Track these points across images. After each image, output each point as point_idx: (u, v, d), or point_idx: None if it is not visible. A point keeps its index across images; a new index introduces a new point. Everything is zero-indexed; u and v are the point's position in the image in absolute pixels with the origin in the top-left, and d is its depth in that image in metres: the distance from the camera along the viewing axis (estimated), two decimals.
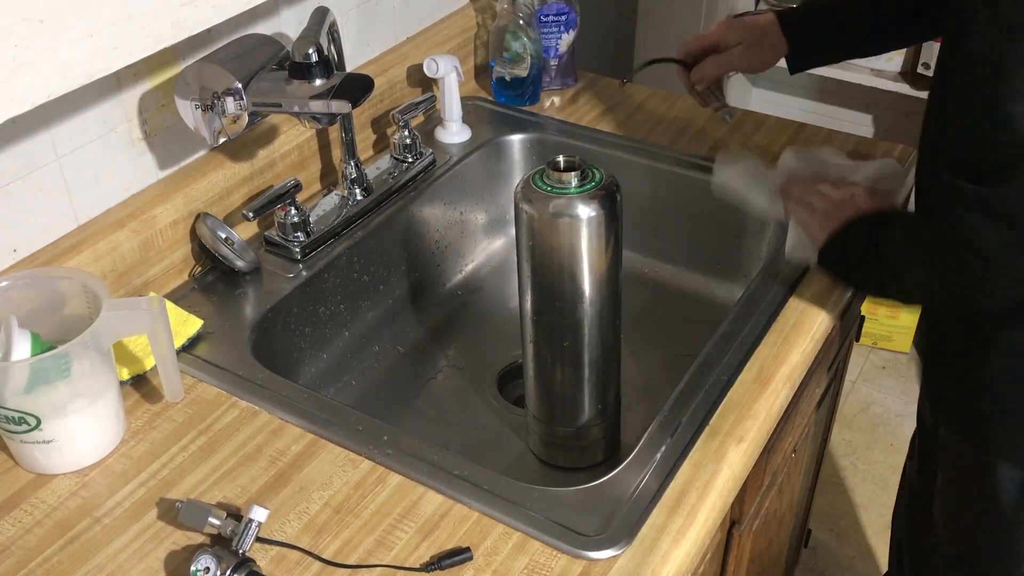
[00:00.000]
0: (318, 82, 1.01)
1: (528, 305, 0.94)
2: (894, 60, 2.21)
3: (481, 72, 1.51)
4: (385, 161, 1.28)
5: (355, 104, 1.00)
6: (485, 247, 1.41)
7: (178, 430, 0.92)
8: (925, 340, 1.18)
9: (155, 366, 0.94)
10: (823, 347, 1.09)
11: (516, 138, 1.38)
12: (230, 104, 1.01)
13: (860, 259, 1.00)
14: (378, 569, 0.79)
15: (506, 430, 1.13)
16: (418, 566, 0.79)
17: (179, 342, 1.00)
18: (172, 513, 0.83)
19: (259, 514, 0.78)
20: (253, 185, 1.17)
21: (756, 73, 1.64)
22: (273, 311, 1.08)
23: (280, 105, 1.03)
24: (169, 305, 1.02)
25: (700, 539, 0.83)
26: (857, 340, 1.48)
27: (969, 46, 0.86)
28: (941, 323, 1.08)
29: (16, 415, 0.84)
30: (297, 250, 1.13)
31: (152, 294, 1.07)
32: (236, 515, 0.81)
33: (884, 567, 1.71)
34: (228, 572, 0.75)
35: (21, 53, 0.72)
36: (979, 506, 1.10)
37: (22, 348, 0.84)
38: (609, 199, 0.87)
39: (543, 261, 0.90)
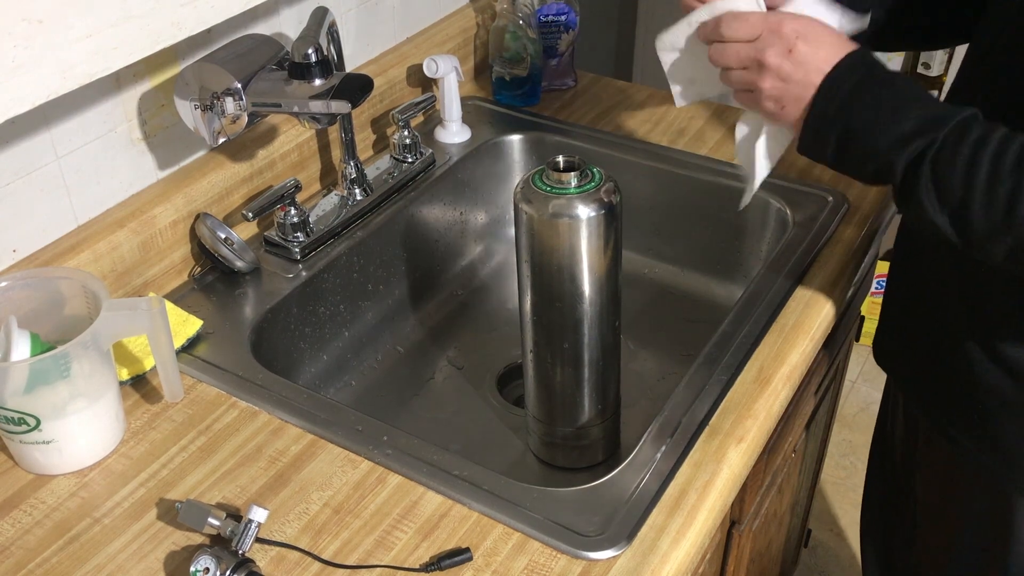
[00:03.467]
0: (317, 82, 1.01)
1: (528, 305, 0.94)
2: (893, 60, 2.21)
3: (481, 72, 1.51)
4: (385, 161, 1.28)
5: (354, 104, 1.00)
6: (485, 247, 1.41)
7: (178, 430, 0.92)
8: (918, 354, 1.05)
9: (155, 366, 0.94)
10: (823, 347, 1.09)
11: (516, 138, 1.38)
12: (229, 104, 1.01)
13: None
14: (378, 569, 0.79)
15: (506, 430, 1.13)
16: (418, 566, 0.79)
17: (179, 342, 1.00)
18: (172, 513, 0.83)
19: (258, 514, 0.78)
20: (253, 185, 1.17)
21: None
22: (273, 311, 1.08)
23: (280, 105, 1.03)
24: (169, 305, 1.02)
25: (700, 539, 0.83)
26: (857, 340, 1.47)
27: None
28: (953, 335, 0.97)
29: (16, 415, 0.84)
30: (297, 250, 1.13)
31: (152, 294, 1.07)
32: (235, 515, 0.81)
33: None
34: (227, 572, 0.75)
35: (21, 53, 0.72)
36: (979, 534, 1.04)
37: (22, 348, 0.84)
38: (609, 199, 0.87)
39: (543, 261, 0.90)
